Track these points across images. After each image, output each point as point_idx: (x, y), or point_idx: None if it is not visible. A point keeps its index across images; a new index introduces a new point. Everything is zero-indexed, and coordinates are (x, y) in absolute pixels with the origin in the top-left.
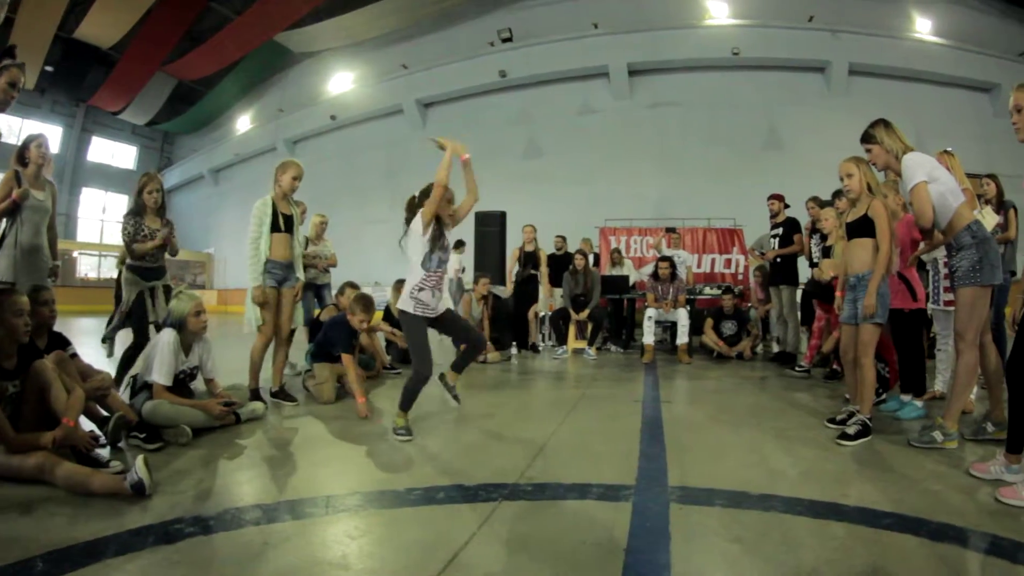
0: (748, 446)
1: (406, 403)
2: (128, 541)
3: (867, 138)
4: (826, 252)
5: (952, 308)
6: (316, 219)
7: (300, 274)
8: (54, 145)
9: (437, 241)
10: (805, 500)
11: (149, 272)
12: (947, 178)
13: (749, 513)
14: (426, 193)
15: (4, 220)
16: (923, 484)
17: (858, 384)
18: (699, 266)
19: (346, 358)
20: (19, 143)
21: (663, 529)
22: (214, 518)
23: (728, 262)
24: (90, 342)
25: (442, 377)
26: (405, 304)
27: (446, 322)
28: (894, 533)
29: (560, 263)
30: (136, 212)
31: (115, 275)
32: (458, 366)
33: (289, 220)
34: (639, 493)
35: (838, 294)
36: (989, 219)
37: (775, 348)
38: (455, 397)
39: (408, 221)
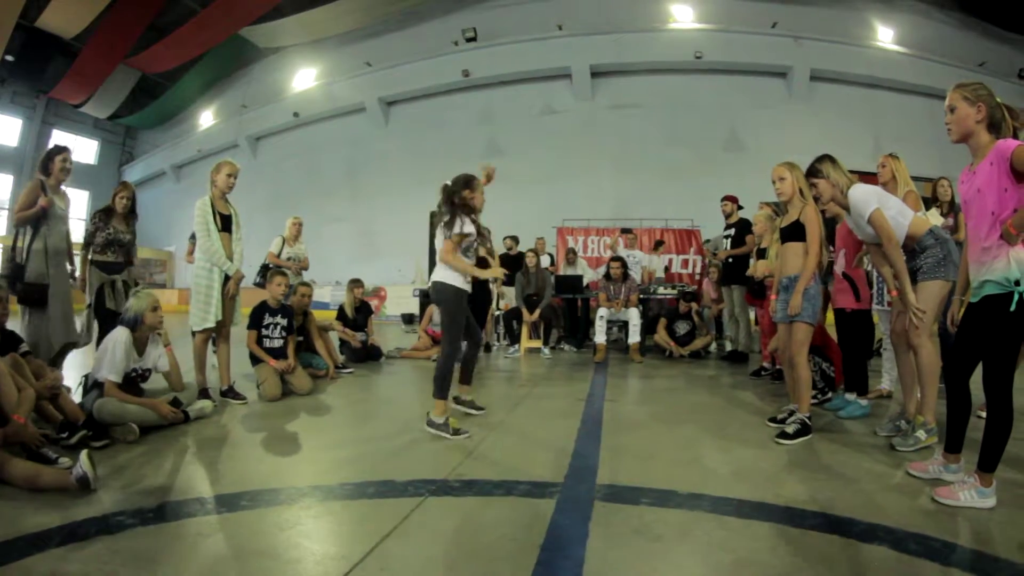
0: (684, 444)
1: (444, 389)
2: (72, 532)
3: (813, 172)
4: (761, 253)
5: None
6: (292, 221)
7: (238, 267)
8: (13, 138)
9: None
10: (734, 499)
11: (110, 266)
12: (894, 201)
13: (674, 512)
14: (458, 183)
15: (28, 226)
16: (859, 484)
17: (794, 383)
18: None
19: (249, 334)
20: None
21: (582, 526)
22: (154, 511)
23: (685, 262)
24: None
25: (456, 400)
26: (458, 281)
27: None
28: (821, 533)
29: (512, 263)
30: (104, 212)
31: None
32: (466, 377)
33: (227, 219)
34: (565, 490)
35: (772, 296)
36: (934, 220)
37: (727, 347)
38: (478, 408)
39: (445, 211)
